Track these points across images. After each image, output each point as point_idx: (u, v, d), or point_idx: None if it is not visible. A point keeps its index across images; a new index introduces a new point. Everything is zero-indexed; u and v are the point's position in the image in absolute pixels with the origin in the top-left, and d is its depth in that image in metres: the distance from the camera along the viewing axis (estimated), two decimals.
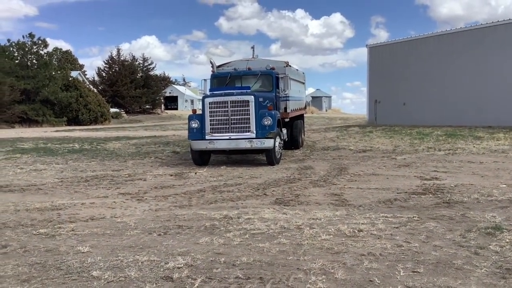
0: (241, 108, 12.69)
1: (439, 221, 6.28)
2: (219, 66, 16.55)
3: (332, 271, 4.41)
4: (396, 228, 5.94)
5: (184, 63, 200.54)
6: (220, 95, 13.06)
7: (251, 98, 12.70)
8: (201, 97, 15.18)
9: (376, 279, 4.19)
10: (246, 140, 12.58)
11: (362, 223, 6.15)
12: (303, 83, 21.16)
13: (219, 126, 12.77)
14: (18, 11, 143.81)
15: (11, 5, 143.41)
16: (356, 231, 5.76)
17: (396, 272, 4.35)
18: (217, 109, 12.77)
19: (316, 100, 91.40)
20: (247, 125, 12.69)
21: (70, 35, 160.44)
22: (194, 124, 12.96)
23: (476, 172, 10.98)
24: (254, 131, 12.64)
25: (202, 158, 13.36)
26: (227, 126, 12.74)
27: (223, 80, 15.17)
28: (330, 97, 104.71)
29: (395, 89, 33.93)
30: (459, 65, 29.70)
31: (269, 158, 12.94)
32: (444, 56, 30.68)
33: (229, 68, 16.27)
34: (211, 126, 12.78)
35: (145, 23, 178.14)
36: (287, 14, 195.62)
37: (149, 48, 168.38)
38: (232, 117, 12.71)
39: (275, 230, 5.93)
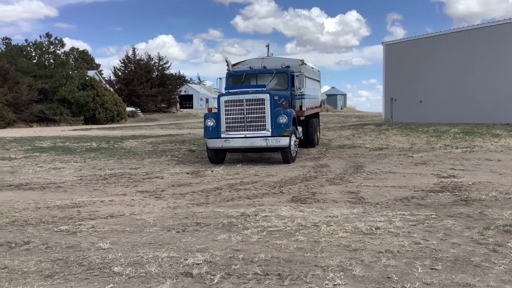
0: (257, 107, 12.68)
1: (456, 218, 6.26)
2: (234, 65, 16.56)
3: (350, 268, 4.43)
4: (414, 225, 5.94)
5: (199, 62, 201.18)
6: (236, 93, 13.09)
7: (266, 97, 12.68)
8: (216, 96, 15.24)
9: (394, 276, 4.21)
10: (261, 138, 12.57)
11: (379, 221, 6.15)
12: (319, 81, 21.06)
13: (235, 125, 12.78)
14: (37, 12, 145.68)
15: (32, 6, 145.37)
16: (373, 229, 5.77)
17: (414, 269, 4.36)
18: (232, 108, 12.79)
19: (331, 98, 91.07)
20: (262, 123, 12.67)
21: (88, 35, 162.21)
22: (210, 123, 12.97)
23: (494, 170, 10.89)
24: (270, 129, 12.61)
25: (217, 157, 13.42)
26: (243, 124, 12.74)
27: (239, 78, 15.20)
28: (345, 95, 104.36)
29: (411, 86, 33.63)
30: (476, 62, 29.34)
31: (285, 156, 12.94)
32: (461, 53, 30.34)
33: (244, 67, 16.30)
34: (226, 125, 12.79)
35: (161, 22, 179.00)
36: (302, 13, 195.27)
37: (165, 47, 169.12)
38: (247, 116, 12.72)
39: (292, 227, 5.97)
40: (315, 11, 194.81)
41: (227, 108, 12.82)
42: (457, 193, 8.09)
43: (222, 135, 12.78)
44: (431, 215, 6.47)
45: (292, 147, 13.02)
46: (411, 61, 34.00)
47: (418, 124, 28.88)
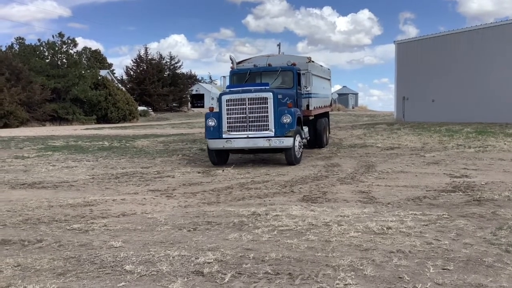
0: (259, 106, 12.20)
1: (469, 218, 6.22)
2: (239, 63, 16.21)
3: (361, 267, 4.42)
4: (426, 225, 5.90)
5: (211, 62, 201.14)
6: (238, 92, 12.58)
7: (269, 95, 12.19)
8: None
9: (405, 276, 4.19)
10: (264, 138, 12.09)
11: (390, 221, 6.12)
12: (328, 80, 20.57)
13: (237, 124, 12.30)
14: (51, 12, 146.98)
15: (45, 6, 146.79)
16: (385, 229, 5.74)
17: (426, 269, 4.34)
18: (234, 107, 12.32)
19: (343, 97, 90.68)
20: (265, 123, 12.19)
21: (101, 35, 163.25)
22: (211, 123, 12.50)
23: (507, 169, 10.79)
24: (273, 130, 12.13)
25: (219, 158, 12.94)
26: (245, 124, 12.27)
27: (242, 76, 14.79)
28: (357, 94, 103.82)
29: (423, 85, 33.44)
30: (489, 61, 29.09)
31: (288, 157, 12.46)
32: (474, 52, 30.10)
33: (249, 65, 15.92)
34: (228, 124, 12.31)
35: (174, 22, 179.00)
36: (314, 12, 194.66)
37: (177, 47, 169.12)
38: (250, 115, 12.24)
39: (303, 226, 5.96)
40: (327, 10, 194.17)
41: (229, 107, 12.34)
42: (469, 193, 8.03)
43: (224, 136, 12.31)
44: (443, 215, 6.43)
45: (297, 147, 12.53)
46: (423, 60, 33.81)
47: (431, 123, 28.71)
